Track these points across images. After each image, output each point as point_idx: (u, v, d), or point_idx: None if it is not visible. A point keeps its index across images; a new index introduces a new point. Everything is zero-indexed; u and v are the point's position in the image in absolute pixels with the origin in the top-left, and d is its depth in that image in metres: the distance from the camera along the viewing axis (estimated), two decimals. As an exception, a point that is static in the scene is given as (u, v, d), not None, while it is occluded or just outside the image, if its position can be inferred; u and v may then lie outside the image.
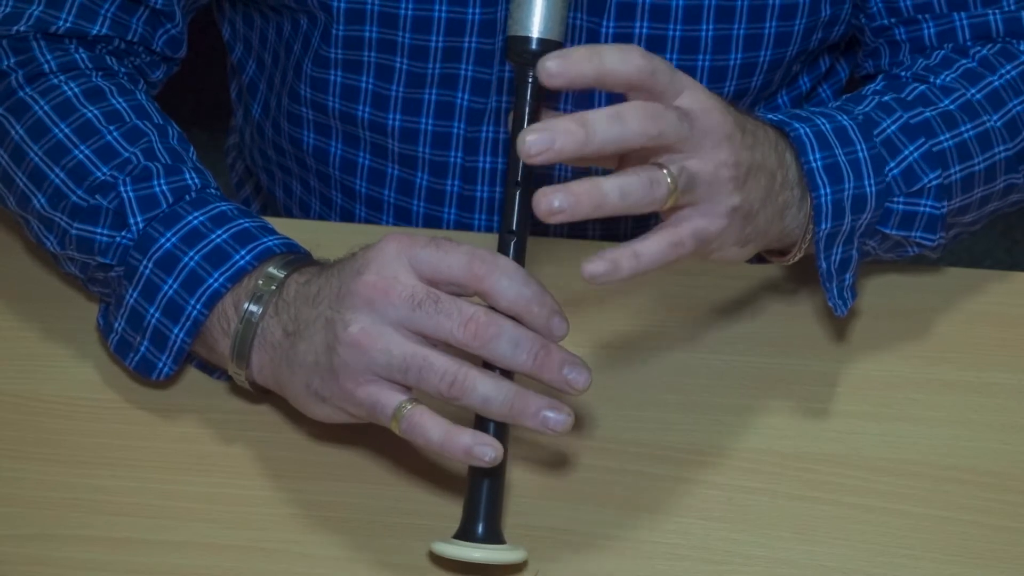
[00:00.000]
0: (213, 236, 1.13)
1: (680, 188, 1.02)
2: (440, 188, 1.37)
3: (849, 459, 1.13)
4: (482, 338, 1.01)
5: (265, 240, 1.13)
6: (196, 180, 1.16)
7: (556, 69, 0.98)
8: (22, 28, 1.22)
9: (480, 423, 1.04)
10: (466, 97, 1.33)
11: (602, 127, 0.99)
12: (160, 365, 1.14)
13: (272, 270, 1.11)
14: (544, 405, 1.01)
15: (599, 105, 1.03)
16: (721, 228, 1.05)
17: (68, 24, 1.23)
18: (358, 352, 1.02)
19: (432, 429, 1.01)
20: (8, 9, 1.23)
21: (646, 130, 1.00)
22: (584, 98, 1.30)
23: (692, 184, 1.02)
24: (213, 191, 1.17)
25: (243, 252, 1.12)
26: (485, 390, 1.01)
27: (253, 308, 1.09)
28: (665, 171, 1.01)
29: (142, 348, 1.14)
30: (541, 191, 0.98)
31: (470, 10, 1.28)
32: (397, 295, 1.02)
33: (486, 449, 1.01)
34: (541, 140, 0.98)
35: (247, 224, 1.14)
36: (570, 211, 0.98)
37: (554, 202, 0.98)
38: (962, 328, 1.23)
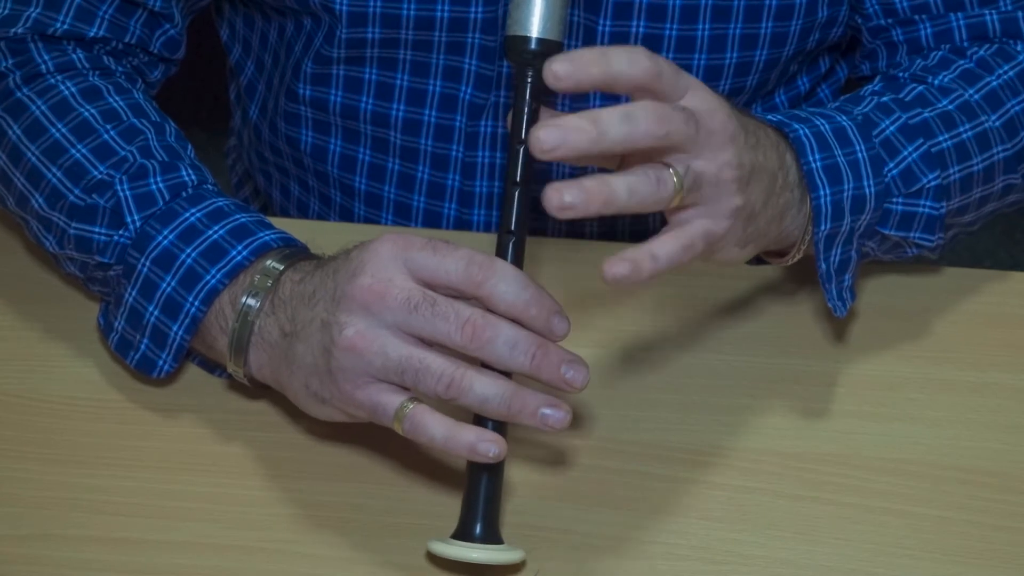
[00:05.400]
0: (210, 232, 1.13)
1: (686, 188, 1.01)
2: (441, 182, 1.37)
3: (849, 459, 1.13)
4: (479, 340, 1.01)
5: (261, 235, 1.13)
6: (192, 176, 1.17)
7: (564, 72, 0.98)
8: (20, 30, 1.22)
9: (479, 422, 1.04)
10: (469, 91, 1.33)
11: (613, 126, 0.98)
12: (160, 363, 1.14)
13: (269, 265, 1.11)
14: (542, 403, 1.01)
15: (594, 104, 1.01)
16: (725, 229, 1.05)
17: (66, 26, 1.23)
18: (354, 356, 1.02)
19: (435, 427, 1.02)
20: (6, 11, 1.23)
21: (654, 131, 1.00)
22: (580, 97, 1.30)
23: (698, 184, 1.02)
24: (210, 187, 1.17)
25: (240, 247, 1.12)
26: (482, 390, 1.01)
27: (250, 302, 1.09)
28: (671, 170, 1.01)
29: (142, 346, 1.14)
30: (552, 186, 0.97)
31: (472, 8, 1.29)
32: (393, 298, 1.02)
33: (490, 445, 1.01)
34: (553, 136, 0.97)
35: (244, 219, 1.14)
36: (582, 207, 0.97)
37: (565, 197, 0.97)
38: (962, 328, 1.23)
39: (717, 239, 1.05)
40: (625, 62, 1.00)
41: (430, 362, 1.01)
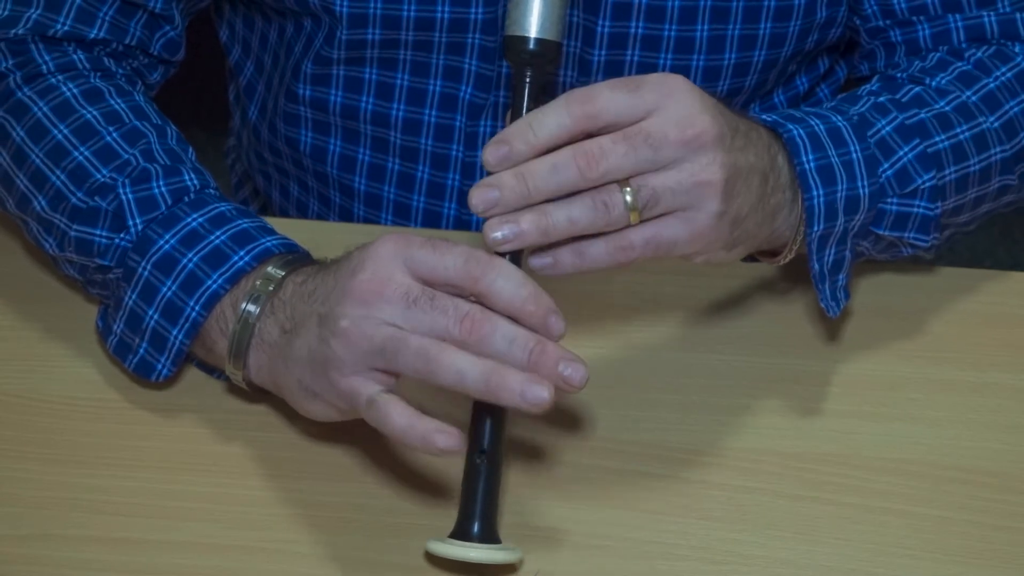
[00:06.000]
0: (212, 237, 1.13)
1: (642, 206, 1.03)
2: (441, 182, 1.37)
3: (849, 459, 1.13)
4: (477, 334, 1.01)
5: (264, 241, 1.13)
6: (195, 181, 1.17)
7: (493, 159, 1.03)
8: (20, 31, 1.22)
9: (477, 420, 1.04)
10: (469, 91, 1.33)
11: (542, 179, 1.02)
12: (159, 367, 1.14)
13: (270, 270, 1.11)
14: (523, 379, 0.99)
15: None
16: (694, 234, 1.05)
17: (66, 27, 1.23)
18: (345, 344, 1.02)
19: (397, 417, 1.00)
20: (6, 12, 1.23)
21: (587, 175, 1.02)
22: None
23: (656, 199, 1.04)
24: (212, 191, 1.17)
25: (242, 253, 1.12)
26: (460, 364, 1.00)
27: (251, 308, 1.10)
28: (624, 191, 1.03)
29: (141, 350, 1.14)
30: (489, 223, 1.02)
31: (472, 9, 1.29)
32: (392, 293, 1.02)
33: (441, 436, 0.99)
34: (487, 198, 1.02)
35: (246, 225, 1.14)
36: (517, 241, 1.03)
37: (499, 234, 1.02)
38: (962, 328, 1.23)
39: (670, 245, 1.05)
40: (553, 124, 1.03)
41: (410, 340, 1.00)
